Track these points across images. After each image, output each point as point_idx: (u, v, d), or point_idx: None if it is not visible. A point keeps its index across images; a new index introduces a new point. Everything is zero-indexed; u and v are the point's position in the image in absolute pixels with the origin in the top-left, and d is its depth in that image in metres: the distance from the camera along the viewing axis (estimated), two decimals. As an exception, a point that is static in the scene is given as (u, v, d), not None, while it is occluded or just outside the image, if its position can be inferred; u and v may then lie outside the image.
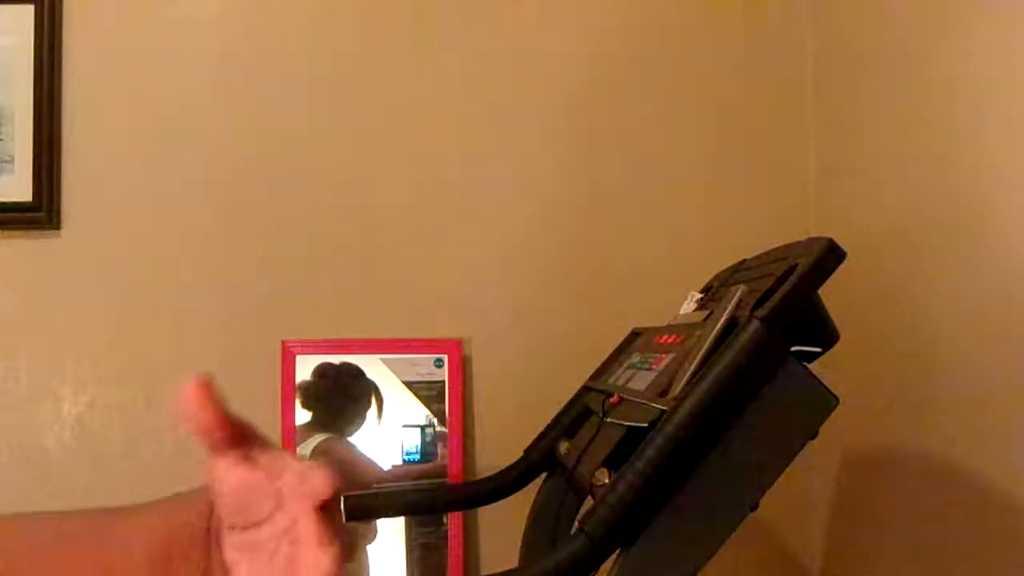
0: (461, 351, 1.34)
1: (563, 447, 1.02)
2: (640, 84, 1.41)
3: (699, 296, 1.00)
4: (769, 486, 0.72)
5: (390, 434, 1.32)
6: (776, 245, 0.91)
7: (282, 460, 0.54)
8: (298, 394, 1.31)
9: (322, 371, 1.32)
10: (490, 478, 1.11)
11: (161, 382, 1.32)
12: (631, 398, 0.84)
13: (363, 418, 1.32)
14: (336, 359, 1.32)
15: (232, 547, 0.54)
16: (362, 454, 1.31)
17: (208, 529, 0.55)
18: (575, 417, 1.07)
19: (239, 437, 0.54)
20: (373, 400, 1.32)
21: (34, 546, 0.56)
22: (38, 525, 0.57)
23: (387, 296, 1.36)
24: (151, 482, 1.29)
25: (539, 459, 1.08)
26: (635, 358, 0.97)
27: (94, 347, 1.32)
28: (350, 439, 1.31)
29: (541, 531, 1.05)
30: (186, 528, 0.55)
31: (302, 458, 0.60)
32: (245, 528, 0.53)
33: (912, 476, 1.13)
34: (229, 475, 0.53)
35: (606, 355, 1.10)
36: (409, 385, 1.32)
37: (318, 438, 1.31)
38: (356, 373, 1.32)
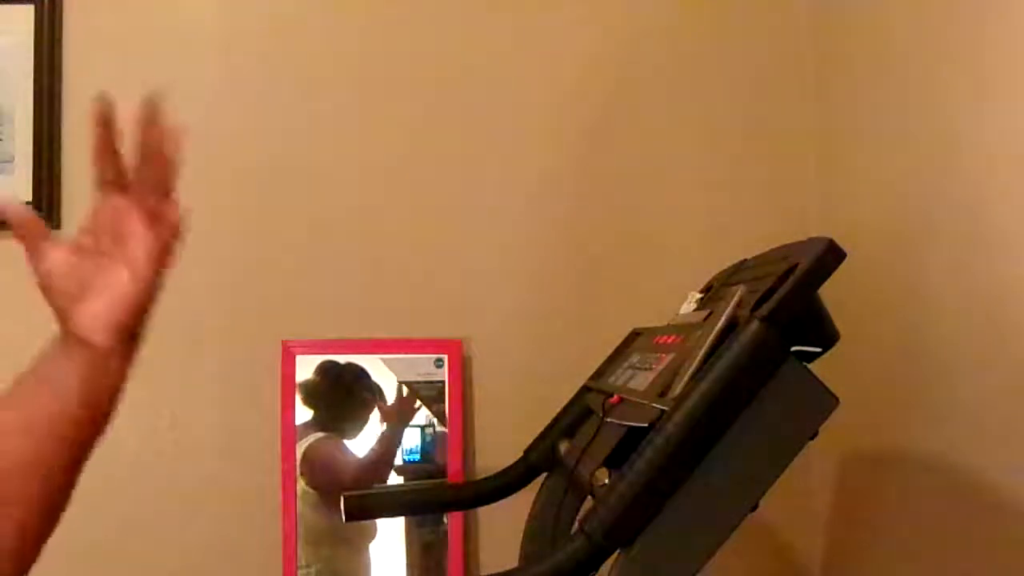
0: (461, 351, 1.34)
1: (563, 447, 1.02)
2: (641, 85, 1.41)
3: (699, 296, 1.00)
4: (769, 486, 0.72)
5: (390, 434, 1.32)
6: (776, 245, 0.91)
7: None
8: (301, 392, 1.30)
9: (325, 370, 1.32)
10: (490, 478, 1.11)
11: (161, 382, 1.32)
12: (631, 398, 0.85)
13: (365, 419, 1.31)
14: (338, 359, 1.32)
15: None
16: (351, 453, 1.31)
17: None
18: (575, 417, 1.07)
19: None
20: (376, 402, 1.32)
21: None
22: None
23: (387, 296, 1.36)
24: (151, 481, 1.29)
25: (539, 459, 1.08)
26: (635, 358, 0.97)
27: (94, 347, 1.32)
28: (349, 440, 1.31)
29: (541, 531, 1.05)
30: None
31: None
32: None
33: (912, 476, 1.13)
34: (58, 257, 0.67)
35: (606, 355, 1.10)
36: (409, 385, 1.32)
37: (314, 437, 1.31)
38: (360, 374, 1.32)
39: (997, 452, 0.97)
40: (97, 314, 0.66)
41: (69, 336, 0.67)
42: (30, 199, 1.31)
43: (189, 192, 1.47)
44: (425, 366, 1.33)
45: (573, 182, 1.39)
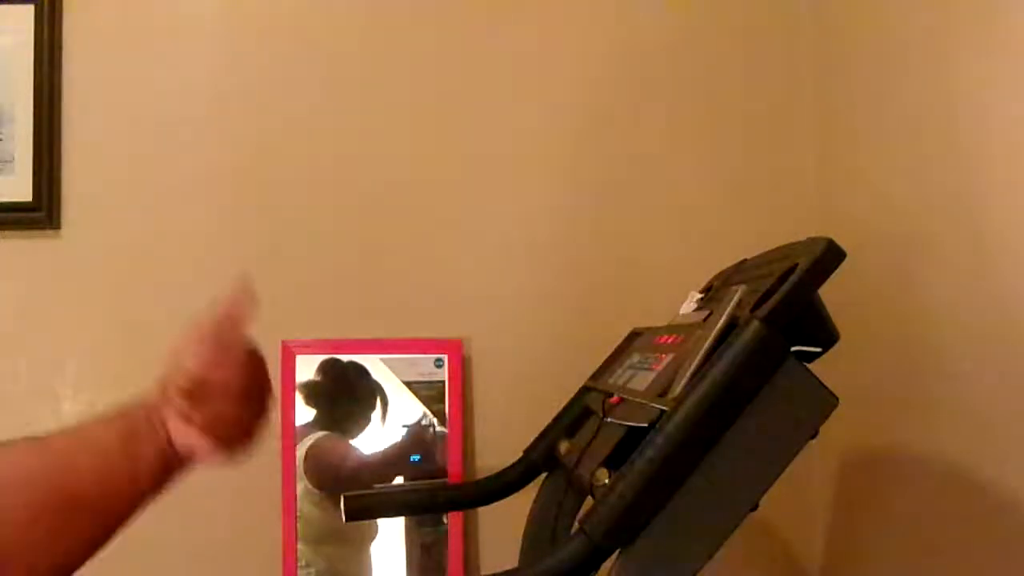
0: (461, 351, 1.34)
1: (563, 447, 1.02)
2: (641, 84, 1.41)
3: (699, 296, 1.00)
4: (769, 486, 0.72)
5: (390, 434, 1.32)
6: (776, 245, 0.91)
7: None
8: (302, 392, 1.30)
9: (326, 368, 1.32)
10: (490, 478, 1.11)
11: (161, 382, 1.32)
12: (631, 398, 0.85)
13: (367, 419, 1.31)
14: (339, 358, 1.32)
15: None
16: (355, 451, 1.31)
17: (151, 418, 0.77)
18: (575, 417, 1.07)
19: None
20: (378, 401, 1.32)
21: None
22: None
23: (387, 296, 1.36)
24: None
25: (539, 459, 1.08)
26: (635, 358, 0.97)
27: (94, 347, 1.32)
28: (352, 440, 1.31)
29: (541, 531, 1.05)
30: (140, 415, 0.77)
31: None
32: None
33: (912, 476, 1.13)
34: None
35: (606, 355, 1.10)
36: (409, 385, 1.32)
37: (316, 436, 1.30)
38: (361, 373, 1.32)
39: (997, 452, 0.97)
40: (190, 435, 0.76)
41: (161, 417, 0.77)
42: (30, 199, 1.31)
43: (189, 192, 1.47)
44: (425, 366, 1.33)
45: (573, 182, 1.40)
